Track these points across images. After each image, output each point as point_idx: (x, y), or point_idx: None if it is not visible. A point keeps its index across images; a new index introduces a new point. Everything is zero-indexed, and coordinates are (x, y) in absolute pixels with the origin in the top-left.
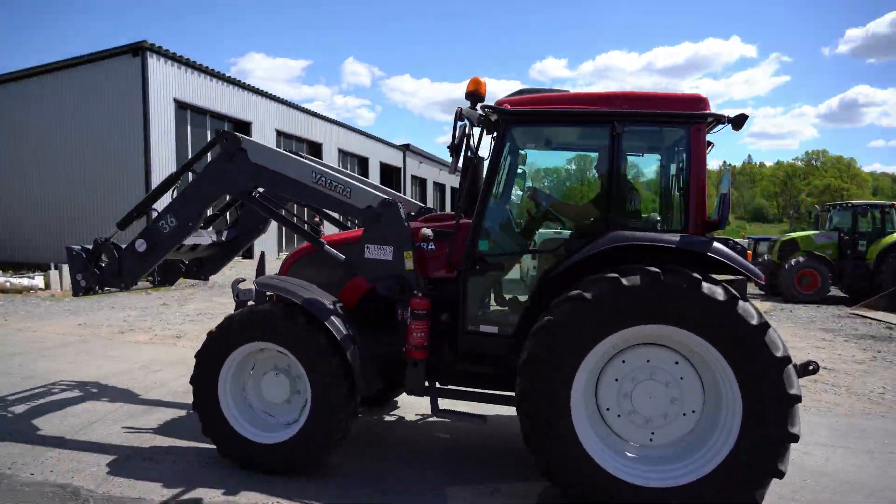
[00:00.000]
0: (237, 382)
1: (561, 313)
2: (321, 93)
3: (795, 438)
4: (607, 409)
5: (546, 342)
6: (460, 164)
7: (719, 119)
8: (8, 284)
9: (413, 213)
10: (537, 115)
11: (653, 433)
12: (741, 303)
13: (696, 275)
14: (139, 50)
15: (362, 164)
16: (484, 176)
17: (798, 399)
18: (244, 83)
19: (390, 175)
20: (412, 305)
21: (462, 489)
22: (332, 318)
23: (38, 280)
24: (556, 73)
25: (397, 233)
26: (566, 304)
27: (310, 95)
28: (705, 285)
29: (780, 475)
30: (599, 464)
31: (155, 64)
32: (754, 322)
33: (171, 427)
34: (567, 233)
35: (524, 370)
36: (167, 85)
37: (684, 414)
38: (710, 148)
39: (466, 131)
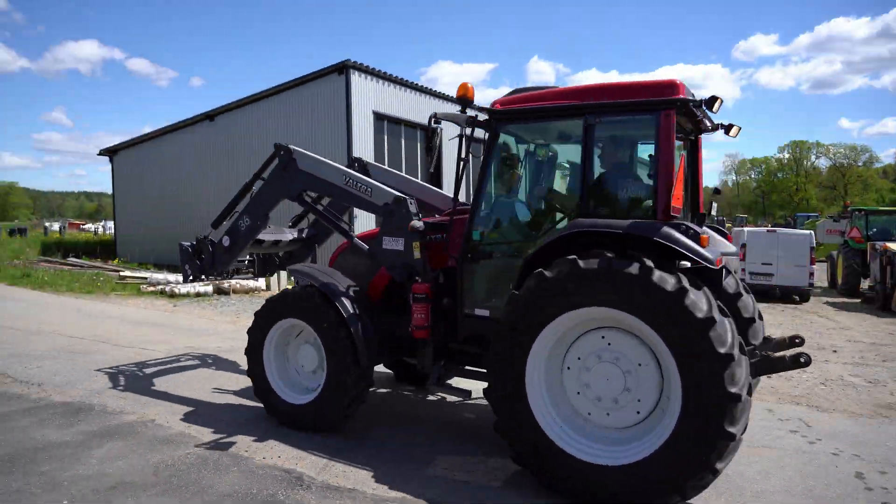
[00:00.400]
0: (280, 353)
1: (525, 289)
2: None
3: (731, 437)
4: (577, 393)
5: (509, 316)
6: (433, 164)
7: (694, 103)
8: (238, 286)
9: (444, 209)
10: (519, 113)
11: (608, 413)
12: (691, 294)
13: (649, 262)
14: (344, 68)
15: None
16: (479, 172)
17: (737, 398)
18: (434, 90)
19: None
20: (413, 290)
21: (448, 458)
22: (342, 298)
23: (261, 282)
24: (765, 50)
25: (439, 228)
26: (531, 281)
27: (495, 97)
28: (656, 273)
29: (715, 473)
30: (555, 441)
31: (357, 80)
32: (700, 315)
33: (389, 418)
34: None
35: (491, 344)
36: (367, 98)
37: (638, 400)
38: (734, 131)
39: (440, 135)
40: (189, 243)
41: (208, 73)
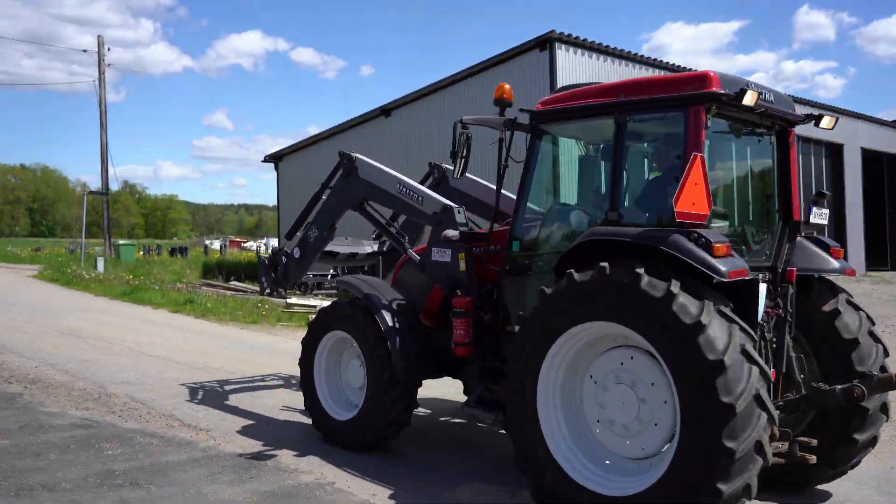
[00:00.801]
0: (331, 367)
1: (531, 308)
2: (762, 60)
3: (730, 453)
4: (597, 421)
5: (519, 337)
6: (459, 171)
7: (727, 97)
8: None
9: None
10: (553, 114)
11: (628, 441)
12: (680, 299)
13: (639, 269)
14: (547, 42)
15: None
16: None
17: (731, 409)
18: (660, 62)
19: None
20: (454, 304)
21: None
22: (382, 311)
23: None
24: None
25: (478, 238)
26: (537, 299)
27: (746, 66)
28: (645, 279)
29: (718, 496)
30: (561, 465)
31: (563, 55)
32: (688, 320)
33: None
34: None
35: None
36: (576, 77)
37: (655, 424)
38: (826, 121)
39: (468, 139)
40: (267, 255)
41: (380, 60)
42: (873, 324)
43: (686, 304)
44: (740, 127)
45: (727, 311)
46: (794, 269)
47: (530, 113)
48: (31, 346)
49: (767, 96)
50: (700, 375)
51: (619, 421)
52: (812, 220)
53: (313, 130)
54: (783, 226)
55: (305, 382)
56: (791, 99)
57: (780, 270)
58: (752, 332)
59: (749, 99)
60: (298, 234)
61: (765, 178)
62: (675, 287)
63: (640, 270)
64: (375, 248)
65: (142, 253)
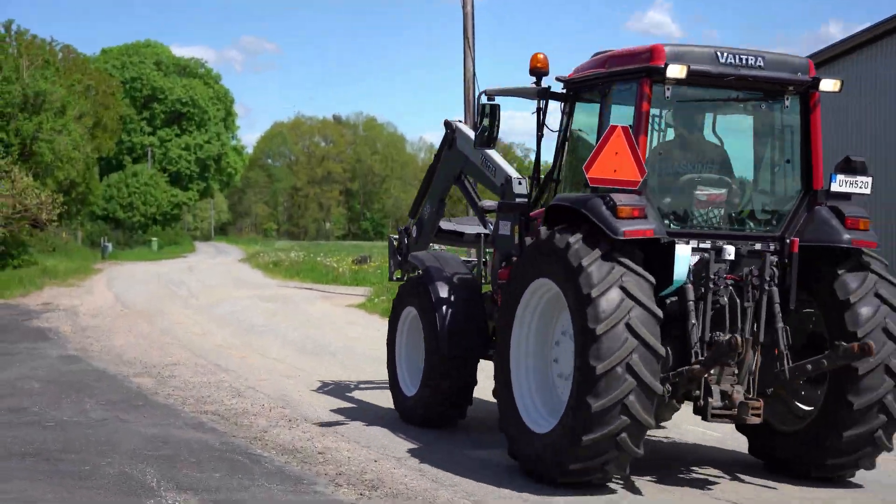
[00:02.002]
0: (411, 343)
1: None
2: None
3: (588, 407)
4: (557, 375)
5: (501, 300)
6: (482, 141)
7: (657, 71)
8: None
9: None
10: (569, 84)
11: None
12: (574, 246)
13: (575, 237)
14: None
15: None
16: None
17: (592, 371)
18: None
19: None
20: (499, 275)
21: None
22: (437, 283)
23: None
24: None
25: (510, 207)
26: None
27: None
28: (557, 237)
29: (578, 443)
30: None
31: None
32: (574, 262)
33: None
34: None
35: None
36: None
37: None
38: (826, 84)
39: (495, 110)
40: (395, 237)
41: None
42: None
43: (578, 249)
44: (732, 93)
45: (624, 261)
46: (797, 239)
47: (563, 81)
48: None
49: (740, 61)
50: (584, 337)
51: (565, 372)
52: (834, 188)
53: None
54: (804, 194)
55: (389, 361)
56: (799, 62)
57: (786, 240)
58: (650, 278)
59: (673, 72)
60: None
61: (783, 145)
62: (575, 238)
63: (576, 235)
64: (482, 230)
65: None
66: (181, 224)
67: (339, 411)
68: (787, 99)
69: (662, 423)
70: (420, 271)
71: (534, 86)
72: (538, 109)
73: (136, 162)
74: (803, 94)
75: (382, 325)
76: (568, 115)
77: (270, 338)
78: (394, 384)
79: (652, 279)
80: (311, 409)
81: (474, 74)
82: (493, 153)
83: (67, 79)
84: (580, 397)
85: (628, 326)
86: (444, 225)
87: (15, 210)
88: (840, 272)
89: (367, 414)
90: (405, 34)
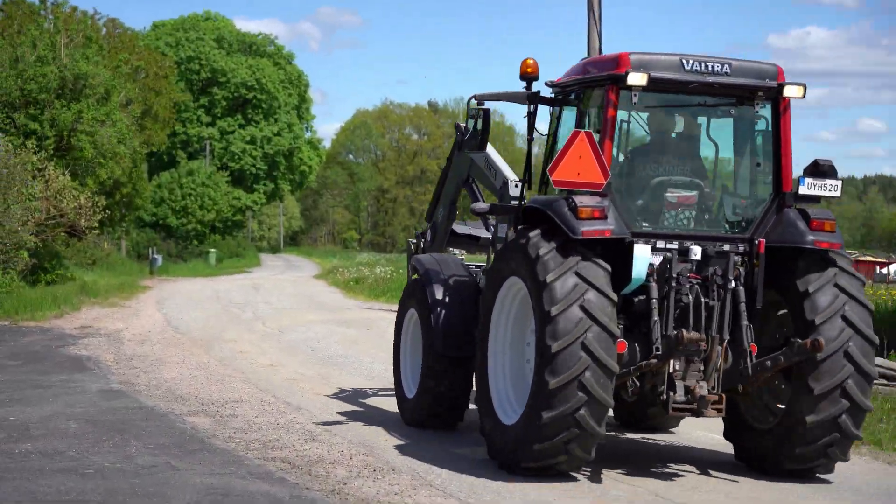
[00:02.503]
0: (414, 344)
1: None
2: None
3: (545, 385)
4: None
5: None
6: (474, 145)
7: (620, 79)
8: None
9: None
10: (558, 88)
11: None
12: (534, 240)
13: (535, 232)
14: None
15: None
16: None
17: (550, 350)
18: None
19: None
20: None
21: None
22: (435, 284)
23: None
24: None
25: (502, 210)
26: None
27: None
28: (532, 238)
29: (539, 419)
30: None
31: None
32: (532, 253)
33: None
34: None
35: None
36: None
37: None
38: (791, 90)
39: (485, 114)
40: (414, 240)
41: None
42: (870, 312)
43: (537, 242)
44: (706, 100)
45: (580, 251)
46: (764, 240)
47: (551, 87)
48: None
49: (705, 68)
50: (542, 321)
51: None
52: (802, 191)
53: None
54: (774, 197)
55: (394, 364)
56: (767, 68)
57: (754, 241)
58: (606, 266)
59: (634, 80)
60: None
61: (753, 149)
62: (535, 233)
63: (535, 233)
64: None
65: None
66: (244, 233)
67: (433, 459)
68: (758, 104)
69: (671, 429)
70: (420, 274)
71: (524, 90)
72: (528, 113)
73: (191, 158)
74: (774, 99)
75: None
76: (557, 118)
77: (351, 370)
78: (397, 386)
79: (608, 267)
80: (399, 457)
81: (600, 52)
82: (495, 155)
83: (112, 59)
84: (539, 377)
85: (583, 308)
86: (459, 229)
87: (49, 215)
88: (804, 269)
89: (466, 462)
90: (513, 3)
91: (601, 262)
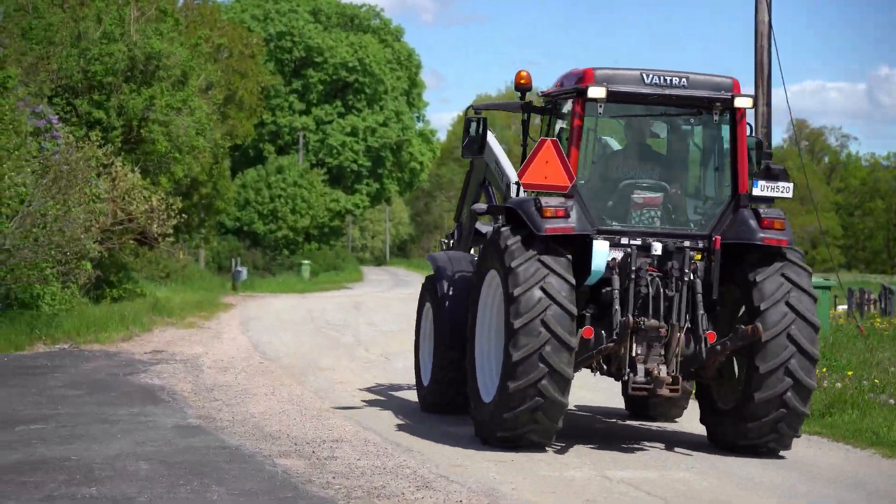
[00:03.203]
0: (429, 336)
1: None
2: None
3: (510, 356)
4: None
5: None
6: (471, 153)
7: (580, 92)
8: None
9: None
10: (545, 97)
11: None
12: (505, 233)
13: (506, 228)
14: None
15: None
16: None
17: (513, 327)
18: None
19: None
20: None
21: None
22: (444, 280)
23: None
24: None
25: (498, 210)
26: None
27: None
28: (504, 233)
29: (507, 390)
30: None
31: None
32: (502, 244)
33: None
34: None
35: None
36: None
37: None
38: (739, 101)
39: (483, 123)
40: (445, 240)
41: None
42: (814, 300)
43: (507, 236)
44: (670, 109)
45: (543, 243)
46: (719, 237)
47: (543, 96)
48: None
49: (663, 81)
50: (509, 301)
51: None
52: (756, 192)
53: None
54: (731, 198)
55: (414, 352)
56: (723, 81)
57: (712, 238)
58: (566, 255)
59: (593, 93)
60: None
61: (712, 154)
62: (506, 230)
63: (506, 228)
64: None
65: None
66: (343, 241)
67: None
68: (716, 114)
69: (676, 419)
70: (433, 270)
71: (518, 100)
72: (523, 121)
73: (281, 153)
74: (731, 109)
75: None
76: (547, 125)
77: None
78: (417, 375)
79: (568, 256)
80: None
81: (770, 28)
82: (504, 159)
83: (190, 35)
84: (506, 352)
85: (543, 289)
86: (483, 229)
87: (116, 220)
88: (755, 262)
89: None
90: None
91: (562, 251)
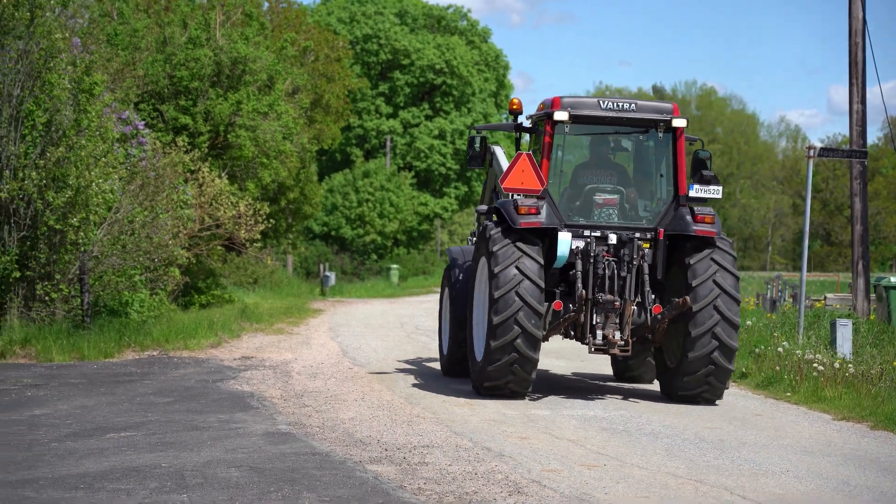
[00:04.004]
0: (447, 315)
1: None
2: None
3: (492, 323)
4: None
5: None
6: (475, 165)
7: (548, 117)
8: None
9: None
10: (531, 120)
11: None
12: (491, 228)
13: (491, 222)
14: None
15: None
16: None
17: (494, 298)
18: None
19: None
20: None
21: None
22: (455, 268)
23: None
24: None
25: (494, 211)
26: None
27: None
28: (489, 226)
29: (489, 348)
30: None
31: None
32: (487, 234)
33: None
34: None
35: None
36: None
37: None
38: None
39: (483, 141)
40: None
41: None
42: (737, 279)
43: (490, 227)
44: (621, 129)
45: (519, 234)
46: (662, 230)
47: (529, 119)
48: None
49: (616, 106)
50: (491, 276)
51: None
52: (692, 194)
53: None
54: (673, 199)
55: (438, 330)
56: (664, 107)
57: (657, 231)
58: (537, 242)
59: (558, 116)
60: None
61: (658, 164)
62: (491, 223)
63: (491, 223)
64: None
65: None
66: (432, 246)
67: None
68: (661, 132)
69: (651, 383)
70: (448, 260)
71: (511, 122)
72: (515, 140)
73: (368, 157)
74: (671, 128)
75: (750, 398)
76: (534, 142)
77: (565, 411)
78: (440, 347)
79: (539, 243)
80: None
81: (864, 23)
82: (506, 166)
83: (276, 39)
84: (489, 318)
85: (518, 268)
86: None
87: (203, 226)
88: (691, 249)
89: None
90: None
91: (535, 240)
